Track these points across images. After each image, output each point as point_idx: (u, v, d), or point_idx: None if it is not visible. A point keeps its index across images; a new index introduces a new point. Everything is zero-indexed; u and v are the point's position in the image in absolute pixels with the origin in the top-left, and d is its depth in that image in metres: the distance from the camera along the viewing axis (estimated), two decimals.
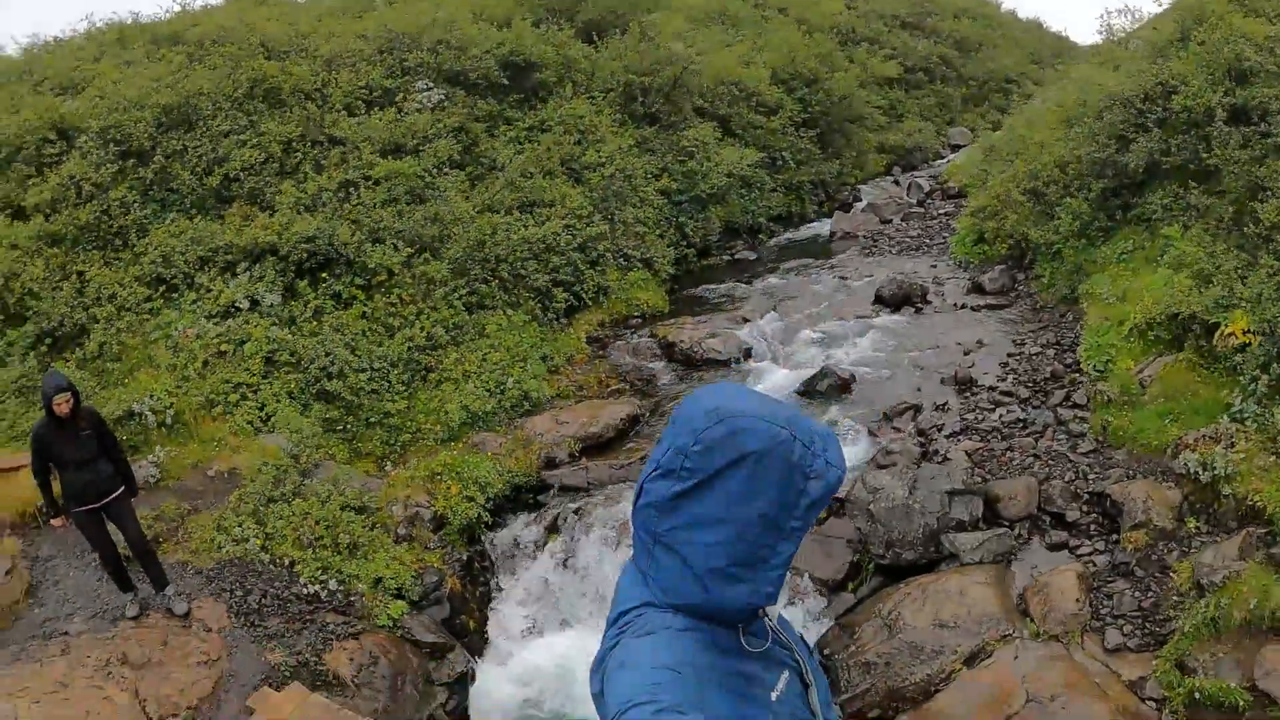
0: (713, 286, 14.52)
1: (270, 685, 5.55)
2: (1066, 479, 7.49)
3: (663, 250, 14.46)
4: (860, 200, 18.32)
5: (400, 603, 7.18)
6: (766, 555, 1.43)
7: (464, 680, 6.96)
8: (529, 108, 14.68)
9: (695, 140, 15.60)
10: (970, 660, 6.02)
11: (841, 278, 13.73)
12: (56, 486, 5.92)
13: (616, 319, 13.26)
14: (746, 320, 12.49)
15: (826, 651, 6.57)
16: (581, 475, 8.96)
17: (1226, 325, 7.48)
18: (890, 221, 16.20)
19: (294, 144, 11.53)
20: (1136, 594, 6.25)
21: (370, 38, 14.17)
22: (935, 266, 13.25)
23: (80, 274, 9.80)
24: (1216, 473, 6.52)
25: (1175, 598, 6.02)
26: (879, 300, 12.22)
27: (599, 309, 13.16)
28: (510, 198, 12.75)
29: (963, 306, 11.55)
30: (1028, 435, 8.24)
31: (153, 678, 5.30)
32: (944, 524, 7.14)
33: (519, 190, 12.92)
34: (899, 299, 12.00)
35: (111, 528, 6.03)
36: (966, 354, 10.10)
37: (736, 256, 16.16)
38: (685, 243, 15.37)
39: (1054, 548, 6.94)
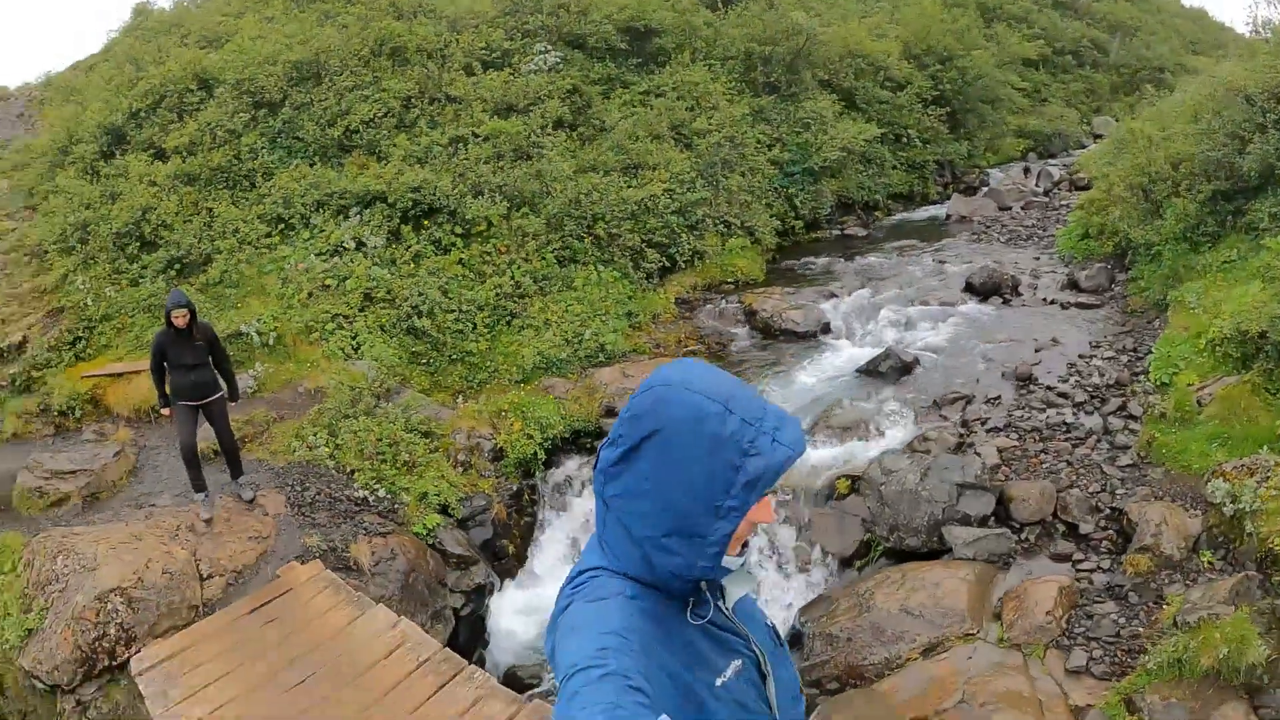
0: (813, 260, 14.53)
1: (300, 561, 6.59)
2: (1091, 490, 7.25)
3: (766, 220, 14.53)
4: (988, 184, 17.52)
5: (439, 516, 7.93)
6: (702, 531, 1.39)
7: (481, 591, 7.77)
8: (646, 72, 14.97)
9: (813, 112, 15.44)
10: (928, 651, 6.10)
11: (940, 262, 13.42)
12: (169, 385, 7.03)
13: (710, 283, 13.57)
14: (834, 295, 12.54)
15: (803, 619, 6.85)
16: None
17: None
18: (1009, 209, 15.48)
19: (413, 100, 12.41)
20: (1121, 619, 5.95)
21: None
22: (1038, 259, 12.67)
23: (209, 210, 11.04)
24: (1241, 507, 6.11)
25: (1153, 630, 5.69)
26: (969, 288, 11.94)
27: (693, 272, 13.50)
28: (615, 159, 13.21)
29: (1052, 302, 11.10)
30: (1067, 440, 8.00)
31: (210, 544, 6.46)
32: (949, 515, 7.14)
33: (625, 153, 13.34)
34: (988, 288, 11.68)
35: (204, 432, 7.16)
36: (1037, 351, 9.80)
37: (846, 232, 15.99)
38: (793, 214, 15.33)
39: (1058, 558, 6.76)
